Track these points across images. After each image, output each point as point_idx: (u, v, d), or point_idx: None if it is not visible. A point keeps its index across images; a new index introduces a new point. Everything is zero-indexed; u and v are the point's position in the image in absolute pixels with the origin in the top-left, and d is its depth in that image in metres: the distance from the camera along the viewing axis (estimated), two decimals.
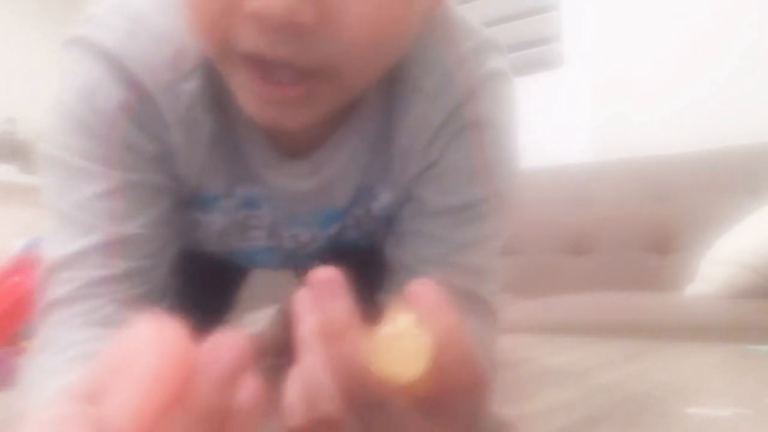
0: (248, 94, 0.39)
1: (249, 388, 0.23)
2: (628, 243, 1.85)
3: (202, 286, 0.67)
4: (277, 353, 0.77)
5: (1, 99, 2.77)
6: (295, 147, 0.48)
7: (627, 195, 1.92)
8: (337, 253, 0.58)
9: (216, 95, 0.45)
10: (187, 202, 0.50)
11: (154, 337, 0.22)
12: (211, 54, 0.40)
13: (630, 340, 0.97)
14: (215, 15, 0.36)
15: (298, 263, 0.61)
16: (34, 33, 2.98)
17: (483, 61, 0.48)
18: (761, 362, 0.77)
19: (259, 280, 0.78)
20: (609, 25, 2.16)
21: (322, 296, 0.26)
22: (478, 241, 0.51)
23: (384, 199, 0.52)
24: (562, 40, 2.26)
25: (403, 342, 0.27)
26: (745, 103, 1.88)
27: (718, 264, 1.43)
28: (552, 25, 2.27)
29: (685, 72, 2.01)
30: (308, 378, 0.26)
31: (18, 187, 2.72)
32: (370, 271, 0.50)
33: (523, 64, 2.23)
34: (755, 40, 1.91)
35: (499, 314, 0.53)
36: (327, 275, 0.26)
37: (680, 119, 1.98)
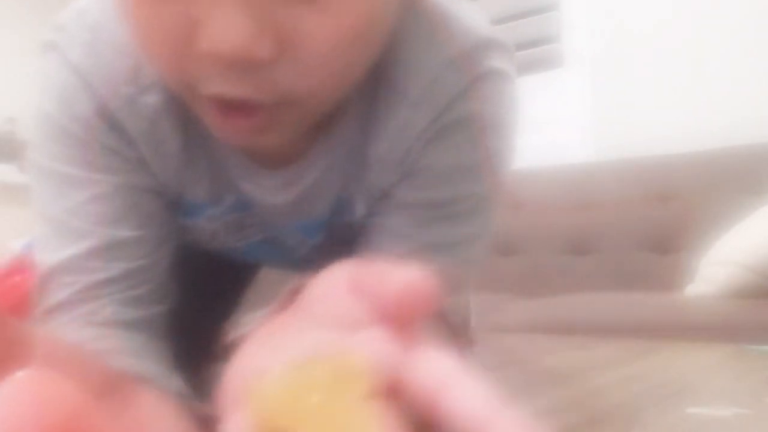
0: (213, 124, 0.38)
1: None
2: (628, 243, 1.85)
3: (206, 285, 0.66)
4: None
5: (1, 99, 2.77)
6: (270, 159, 0.47)
7: (627, 195, 1.92)
8: (334, 251, 0.56)
9: (181, 108, 0.44)
10: (174, 206, 0.49)
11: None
12: (170, 87, 0.39)
13: (630, 340, 0.97)
14: (170, 54, 0.34)
15: (296, 262, 0.61)
16: (34, 33, 2.98)
17: (479, 61, 0.45)
18: (761, 362, 0.77)
19: (262, 280, 0.78)
20: (609, 25, 2.16)
21: None
22: (444, 245, 0.47)
23: (360, 210, 0.49)
24: (562, 40, 2.26)
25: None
26: (745, 103, 1.88)
27: (718, 264, 1.43)
28: (552, 25, 2.27)
29: (686, 71, 2.01)
30: None
31: (18, 187, 2.71)
32: None
33: (523, 64, 2.22)
34: (756, 40, 1.91)
35: (460, 330, 0.50)
36: None
37: (680, 119, 1.98)
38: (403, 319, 0.20)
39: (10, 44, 2.89)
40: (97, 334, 0.42)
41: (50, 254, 0.44)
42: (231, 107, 0.35)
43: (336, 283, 0.23)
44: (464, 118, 0.45)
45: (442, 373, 0.19)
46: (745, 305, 1.30)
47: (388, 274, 0.20)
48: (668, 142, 1.93)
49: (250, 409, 0.20)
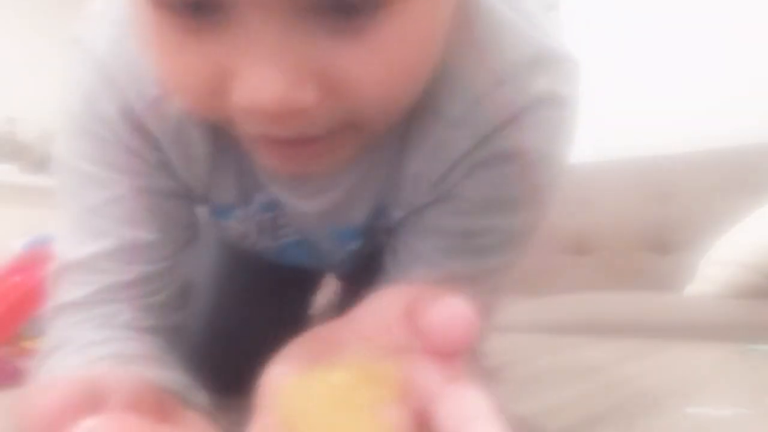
0: (261, 157, 0.36)
1: None
2: (628, 243, 1.85)
3: (266, 296, 0.65)
4: None
5: (1, 99, 2.77)
6: None
7: (627, 195, 1.92)
8: (370, 256, 0.54)
9: None
10: (201, 206, 0.49)
11: None
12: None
13: (630, 340, 0.97)
14: (202, 103, 0.33)
15: (335, 265, 0.59)
16: (34, 33, 2.98)
17: (529, 82, 0.40)
18: (761, 362, 0.77)
19: None
20: (609, 25, 2.15)
21: None
22: (473, 275, 0.45)
23: (396, 217, 0.47)
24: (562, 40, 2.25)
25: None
26: (745, 103, 1.88)
27: (718, 264, 1.43)
28: (552, 25, 2.27)
29: (685, 72, 2.00)
30: None
31: (18, 187, 2.72)
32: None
33: None
34: (756, 40, 1.91)
35: (482, 359, 0.49)
36: None
37: (680, 119, 1.98)
38: (445, 351, 0.21)
39: (10, 44, 2.88)
40: (116, 335, 0.42)
41: (68, 249, 0.44)
42: (280, 142, 0.33)
43: (390, 306, 0.23)
44: (508, 150, 0.41)
45: (471, 413, 0.20)
46: (745, 305, 1.30)
47: (434, 304, 0.21)
48: (668, 142, 1.93)
49: (274, 408, 0.21)
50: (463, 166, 0.42)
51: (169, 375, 0.39)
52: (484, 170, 0.42)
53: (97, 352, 0.40)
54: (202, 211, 0.50)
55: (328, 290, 0.76)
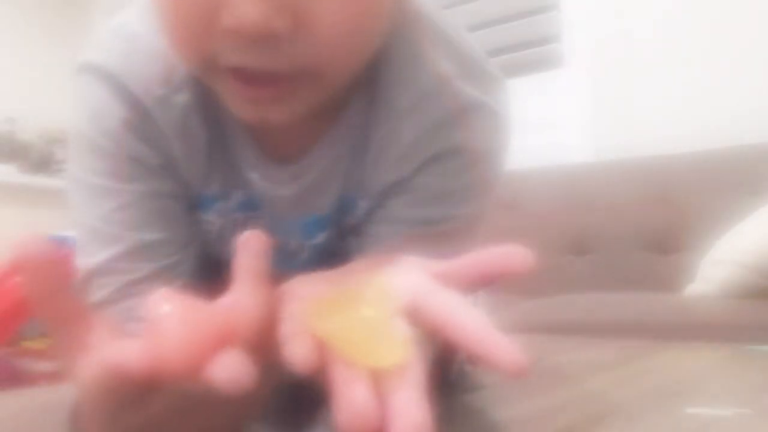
0: (232, 97, 0.43)
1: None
2: (628, 243, 1.85)
3: None
4: None
5: (1, 99, 2.77)
6: (282, 154, 0.51)
7: (627, 195, 1.92)
8: (328, 263, 0.59)
9: (208, 104, 0.49)
10: (190, 202, 0.54)
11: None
12: (193, 68, 0.44)
13: (630, 340, 0.97)
14: (194, 34, 0.39)
15: (297, 269, 0.62)
16: (34, 33, 2.98)
17: (466, 87, 0.48)
18: (761, 362, 0.77)
19: None
20: (609, 25, 2.15)
21: None
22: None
23: (362, 208, 0.53)
24: (562, 40, 2.26)
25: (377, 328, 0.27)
26: (745, 103, 1.88)
27: (718, 264, 1.43)
28: (552, 25, 2.27)
29: (686, 71, 2.00)
30: None
31: (18, 187, 2.72)
32: None
33: (523, 64, 2.23)
34: (756, 40, 1.91)
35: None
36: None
37: (680, 119, 1.98)
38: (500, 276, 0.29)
39: (10, 45, 2.88)
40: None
41: (87, 258, 0.49)
42: (250, 77, 0.39)
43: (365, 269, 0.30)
44: (451, 148, 0.49)
45: (453, 305, 0.28)
46: (745, 305, 1.30)
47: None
48: (668, 142, 1.93)
49: (306, 327, 0.27)
50: (417, 156, 0.49)
51: None
52: (433, 165, 0.49)
53: None
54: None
55: None
